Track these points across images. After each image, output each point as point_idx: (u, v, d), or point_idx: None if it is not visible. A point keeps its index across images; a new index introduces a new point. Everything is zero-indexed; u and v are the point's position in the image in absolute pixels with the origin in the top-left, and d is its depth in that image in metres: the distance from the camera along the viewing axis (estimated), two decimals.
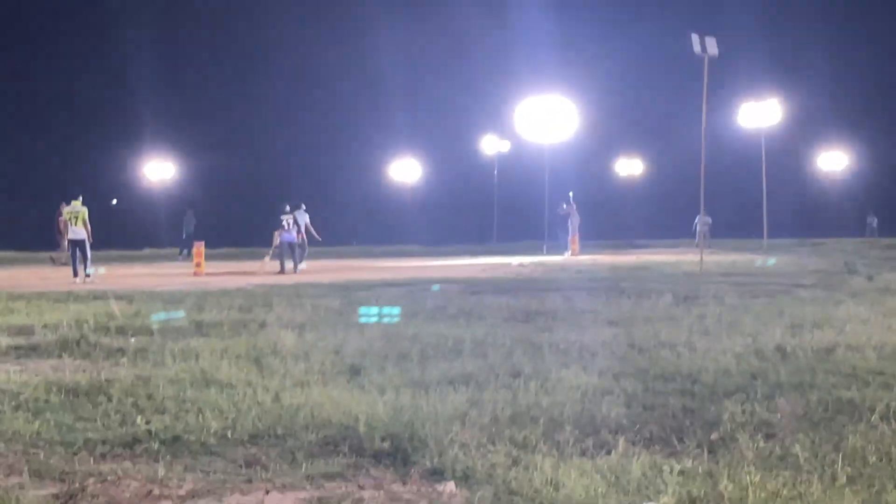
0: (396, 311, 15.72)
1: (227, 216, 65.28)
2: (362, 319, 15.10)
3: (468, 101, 77.95)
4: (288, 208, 33.81)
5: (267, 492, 6.12)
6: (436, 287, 22.08)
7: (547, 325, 13.88)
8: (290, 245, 32.86)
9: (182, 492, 6.15)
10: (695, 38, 29.68)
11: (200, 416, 7.92)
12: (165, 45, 79.26)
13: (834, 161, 74.46)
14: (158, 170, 66.29)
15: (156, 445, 7.17)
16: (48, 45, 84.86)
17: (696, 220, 51.05)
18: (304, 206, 36.16)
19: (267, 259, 32.72)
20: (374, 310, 15.82)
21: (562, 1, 76.67)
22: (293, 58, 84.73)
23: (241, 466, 6.66)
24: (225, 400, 8.52)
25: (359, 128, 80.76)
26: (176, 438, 7.33)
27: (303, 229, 34.92)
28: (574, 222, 46.06)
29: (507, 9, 75.41)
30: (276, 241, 32.93)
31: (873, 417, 7.51)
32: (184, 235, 46.77)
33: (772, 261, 34.04)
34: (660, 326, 13.40)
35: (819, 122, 72.48)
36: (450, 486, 6.08)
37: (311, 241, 35.91)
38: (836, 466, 6.24)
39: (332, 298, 18.65)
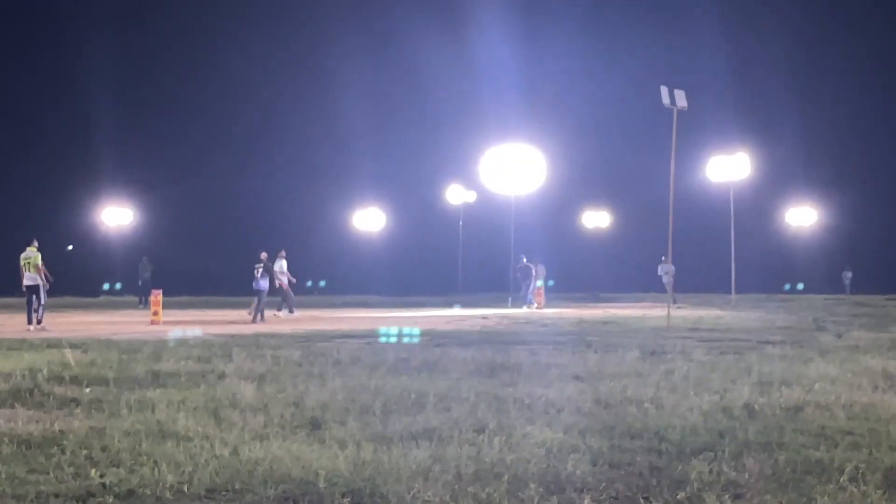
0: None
1: (187, 264, 65.08)
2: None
3: (434, 150, 78.43)
4: (263, 256, 34.15)
5: None
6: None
7: (512, 380, 13.85)
8: (258, 293, 33.07)
9: None
10: (664, 90, 30.00)
11: (156, 469, 7.85)
12: (128, 91, 79.49)
13: (803, 216, 75.05)
14: (116, 216, 66.08)
15: (110, 500, 7.11)
16: (3, 88, 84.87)
17: (659, 269, 51.50)
18: (282, 253, 36.47)
19: (254, 305, 33.08)
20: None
21: (529, 50, 77.27)
22: (257, 107, 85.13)
23: None
24: (181, 453, 8.46)
25: (324, 177, 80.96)
26: (131, 492, 7.27)
27: (281, 276, 35.33)
28: (540, 275, 46.22)
29: (474, 57, 75.85)
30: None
31: (842, 479, 7.52)
32: (139, 283, 46.71)
33: None
34: (626, 382, 13.40)
35: (789, 177, 73.38)
36: None
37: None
38: None
39: (293, 349, 18.59)
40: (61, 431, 9.62)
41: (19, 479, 7.75)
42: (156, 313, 31.57)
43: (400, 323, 28.67)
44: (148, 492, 7.26)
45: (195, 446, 8.75)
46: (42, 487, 7.45)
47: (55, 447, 8.85)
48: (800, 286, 73.12)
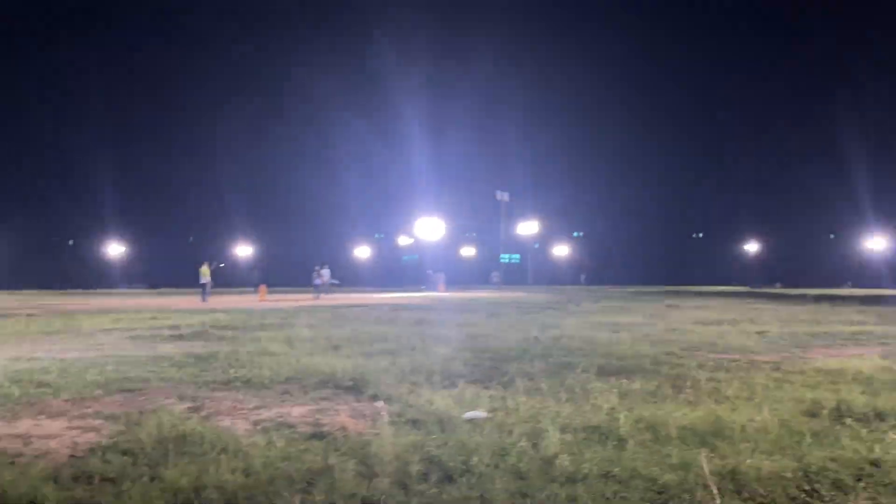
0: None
1: (277, 270, 64.01)
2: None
3: (391, 218, 77.70)
4: (317, 267, 34.46)
5: (293, 406, 6.05)
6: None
7: (430, 326, 13.85)
8: (315, 286, 33.28)
9: (251, 406, 6.05)
10: (497, 192, 30.48)
11: (261, 369, 7.78)
12: (251, 173, 72.77)
13: (563, 249, 76.57)
14: (244, 249, 65.37)
15: (238, 384, 7.03)
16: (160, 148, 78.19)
17: (492, 277, 51.92)
18: (326, 265, 36.33)
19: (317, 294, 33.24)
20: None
21: (435, 163, 74.20)
22: (307, 189, 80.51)
23: (281, 394, 6.56)
24: (274, 362, 8.37)
25: (336, 229, 78.50)
26: (249, 381, 7.19)
27: (325, 278, 35.26)
28: (440, 277, 46.40)
29: (414, 166, 73.85)
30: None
31: (578, 371, 7.66)
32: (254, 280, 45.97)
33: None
34: (481, 327, 13.49)
35: (556, 230, 74.13)
36: (381, 403, 6.08)
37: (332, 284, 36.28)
38: (562, 394, 6.36)
39: (326, 313, 18.42)
40: (216, 352, 9.48)
41: (196, 374, 7.64)
42: (262, 296, 31.13)
43: (379, 300, 28.46)
44: (257, 380, 7.19)
45: (280, 358, 8.67)
46: (206, 378, 7.34)
47: (213, 359, 8.72)
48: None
